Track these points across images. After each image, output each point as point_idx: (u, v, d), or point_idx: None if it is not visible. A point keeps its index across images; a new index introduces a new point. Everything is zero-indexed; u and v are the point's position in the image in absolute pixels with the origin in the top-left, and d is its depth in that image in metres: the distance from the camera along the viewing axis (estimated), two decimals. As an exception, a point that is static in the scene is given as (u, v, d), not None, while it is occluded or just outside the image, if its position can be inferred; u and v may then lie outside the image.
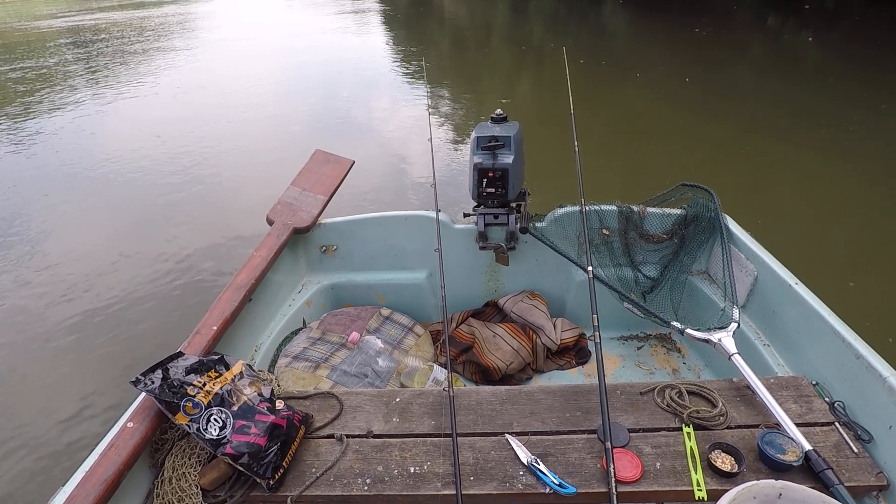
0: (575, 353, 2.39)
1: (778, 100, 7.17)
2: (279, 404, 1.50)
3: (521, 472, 1.39)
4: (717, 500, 1.18)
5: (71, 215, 5.08)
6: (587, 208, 2.23)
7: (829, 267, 3.59)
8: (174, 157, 6.25)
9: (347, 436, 1.53)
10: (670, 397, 1.57)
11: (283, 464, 1.40)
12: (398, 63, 10.74)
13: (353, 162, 2.58)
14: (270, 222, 2.28)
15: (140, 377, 1.37)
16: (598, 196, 2.30)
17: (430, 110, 7.34)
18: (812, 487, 1.22)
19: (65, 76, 10.99)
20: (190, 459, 1.42)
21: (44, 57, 13.47)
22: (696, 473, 1.35)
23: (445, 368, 2.04)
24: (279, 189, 2.45)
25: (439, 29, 16.60)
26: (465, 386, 2.28)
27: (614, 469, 1.32)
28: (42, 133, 7.38)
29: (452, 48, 13.42)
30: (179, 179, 5.62)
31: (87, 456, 1.31)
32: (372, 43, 13.50)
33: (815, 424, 1.48)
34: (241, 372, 1.54)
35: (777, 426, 1.46)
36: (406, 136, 6.54)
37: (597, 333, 1.61)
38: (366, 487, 1.38)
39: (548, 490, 1.34)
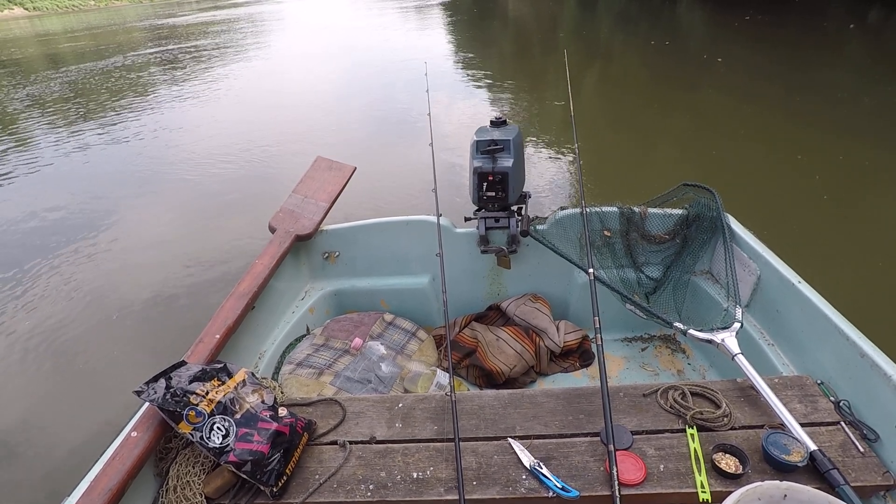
0: (579, 355, 2.38)
1: (880, 104, 6.61)
2: (282, 411, 1.51)
3: (523, 477, 1.39)
4: (721, 502, 1.17)
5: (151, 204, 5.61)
6: (588, 210, 2.23)
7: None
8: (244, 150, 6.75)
9: (350, 442, 1.53)
10: (673, 399, 1.56)
11: (287, 471, 1.40)
12: (460, 63, 11.12)
13: (355, 168, 2.59)
14: (272, 230, 2.29)
15: (143, 387, 1.38)
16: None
17: (492, 107, 7.43)
18: (818, 488, 1.20)
19: (147, 72, 12.64)
20: (194, 468, 1.42)
21: (135, 58, 15.22)
22: (700, 475, 1.34)
23: (448, 373, 2.04)
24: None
25: (502, 28, 16.81)
26: (468, 390, 2.28)
27: (617, 472, 1.31)
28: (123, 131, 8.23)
29: (515, 47, 13.55)
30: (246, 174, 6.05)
31: (92, 466, 1.32)
32: (431, 43, 14.01)
33: (821, 424, 1.47)
34: (244, 380, 1.55)
35: (781, 426, 1.45)
36: (463, 139, 6.63)
37: (598, 335, 1.60)
38: (369, 494, 1.38)
39: (551, 494, 1.33)
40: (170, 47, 16.73)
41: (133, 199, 5.68)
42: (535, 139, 6.35)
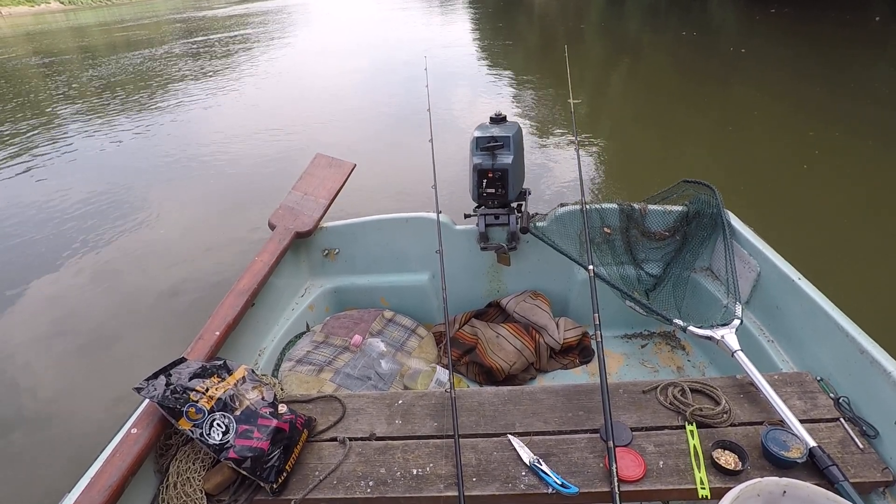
0: (578, 352, 2.38)
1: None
2: (282, 408, 1.51)
3: (523, 473, 1.39)
4: (720, 499, 1.17)
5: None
6: (588, 207, 2.23)
7: None
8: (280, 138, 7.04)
9: (350, 439, 1.53)
10: (673, 395, 1.56)
11: (287, 467, 1.41)
12: (484, 59, 11.20)
13: (355, 165, 2.58)
14: (272, 227, 2.29)
15: (143, 383, 1.38)
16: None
17: (515, 108, 7.49)
18: (817, 484, 1.21)
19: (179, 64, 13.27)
20: (194, 464, 1.43)
21: (161, 51, 16.04)
22: (699, 472, 1.35)
23: (448, 370, 2.04)
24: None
25: (527, 22, 16.88)
26: (468, 387, 2.28)
27: (617, 468, 1.31)
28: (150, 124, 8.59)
29: (539, 43, 13.61)
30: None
31: (92, 463, 1.32)
32: (458, 39, 14.18)
33: (820, 420, 1.47)
34: (243, 377, 1.55)
35: (781, 423, 1.45)
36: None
37: (598, 332, 1.60)
38: (369, 490, 1.38)
39: (550, 490, 1.33)
40: (211, 37, 17.55)
41: (159, 187, 5.95)
42: (547, 135, 6.35)
